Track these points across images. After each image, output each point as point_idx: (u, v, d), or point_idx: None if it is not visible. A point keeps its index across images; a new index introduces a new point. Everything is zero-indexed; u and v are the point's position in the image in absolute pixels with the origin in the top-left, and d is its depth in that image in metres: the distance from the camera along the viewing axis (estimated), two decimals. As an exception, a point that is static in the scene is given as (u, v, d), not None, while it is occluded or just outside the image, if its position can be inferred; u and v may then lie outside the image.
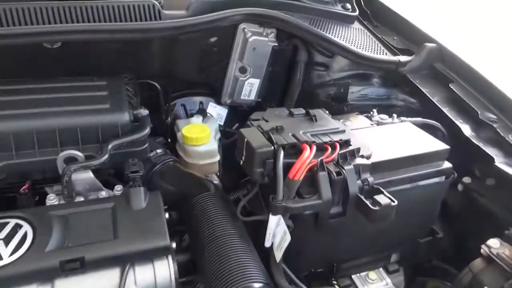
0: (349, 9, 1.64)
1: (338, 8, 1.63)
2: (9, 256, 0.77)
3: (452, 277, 1.08)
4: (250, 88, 1.53)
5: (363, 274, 1.10)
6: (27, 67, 1.26)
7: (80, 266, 0.79)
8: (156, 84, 1.43)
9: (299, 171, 0.89)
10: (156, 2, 1.24)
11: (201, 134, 1.28)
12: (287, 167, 0.91)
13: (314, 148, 0.94)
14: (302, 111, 1.11)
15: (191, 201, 1.03)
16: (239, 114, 1.64)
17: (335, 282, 1.05)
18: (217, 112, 1.60)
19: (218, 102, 1.60)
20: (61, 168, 0.97)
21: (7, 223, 0.83)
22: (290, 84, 1.49)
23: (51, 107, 1.03)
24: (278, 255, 0.92)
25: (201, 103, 1.59)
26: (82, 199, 0.99)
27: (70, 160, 0.98)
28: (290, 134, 0.98)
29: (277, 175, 0.89)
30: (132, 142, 1.04)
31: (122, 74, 1.30)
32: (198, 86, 1.59)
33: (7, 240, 0.80)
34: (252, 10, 1.35)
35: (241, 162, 0.99)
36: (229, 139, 1.48)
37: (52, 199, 0.96)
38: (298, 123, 1.06)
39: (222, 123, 1.60)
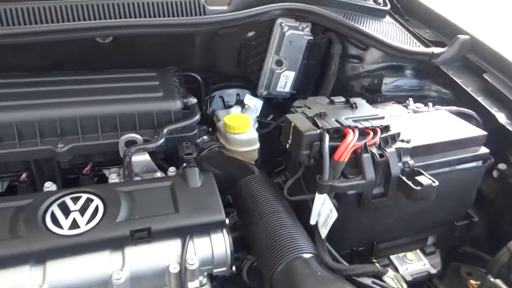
0: (380, 4, 1.69)
1: (370, 3, 1.68)
2: (85, 225, 0.86)
3: (485, 263, 1.11)
4: (286, 81, 1.60)
5: (401, 254, 1.16)
6: (81, 61, 1.36)
7: (147, 236, 0.87)
8: (198, 76, 1.51)
9: (344, 153, 0.95)
10: (201, -2, 1.32)
11: (242, 123, 1.36)
12: (332, 150, 0.97)
13: (357, 132, 1.00)
14: (342, 99, 1.17)
15: (239, 183, 1.10)
16: (274, 106, 1.72)
17: (375, 261, 1.10)
18: (253, 103, 1.67)
19: (254, 94, 1.67)
20: (122, 150, 1.06)
21: (80, 197, 0.92)
22: (325, 76, 1.55)
23: (111, 95, 1.12)
24: (324, 231, 0.98)
25: (238, 95, 1.66)
26: (138, 178, 1.07)
27: (130, 143, 1.06)
28: (333, 119, 1.04)
29: (324, 157, 0.95)
30: (184, 127, 1.12)
31: (166, 67, 1.39)
32: (235, 78, 1.67)
33: (82, 212, 0.89)
34: (290, 5, 1.42)
35: (287, 146, 1.05)
36: (264, 129, 1.55)
37: (114, 178, 1.05)
38: (339, 110, 1.12)
39: (257, 114, 1.67)
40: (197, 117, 1.15)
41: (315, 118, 1.03)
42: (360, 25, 1.50)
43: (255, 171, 1.15)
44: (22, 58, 1.30)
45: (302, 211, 1.07)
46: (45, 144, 1.02)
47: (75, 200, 0.91)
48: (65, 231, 0.84)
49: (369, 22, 1.58)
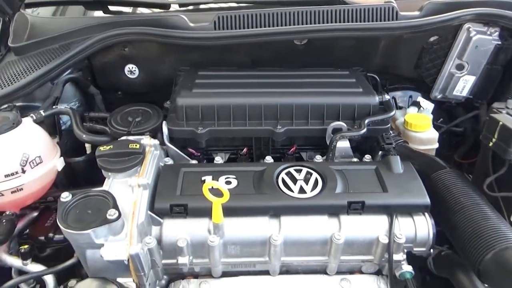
0: None
1: None
2: (310, 192, 1.04)
3: None
4: (464, 85, 1.60)
5: None
6: (278, 60, 1.59)
7: (360, 208, 1.01)
8: (376, 77, 1.62)
9: (562, 154, 0.96)
10: (395, 5, 1.43)
11: (423, 122, 1.43)
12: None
13: None
14: (548, 102, 1.16)
15: (432, 176, 1.17)
16: (444, 110, 1.74)
17: None
18: (425, 106, 1.71)
19: (425, 96, 1.71)
20: (328, 136, 1.23)
21: (301, 169, 1.11)
22: (512, 82, 1.51)
23: (319, 88, 1.30)
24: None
25: (410, 96, 1.73)
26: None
27: (336, 130, 1.22)
28: (543, 121, 1.05)
29: (538, 156, 0.97)
30: (381, 120, 1.24)
31: (351, 67, 1.54)
32: (407, 81, 1.73)
33: (305, 181, 1.07)
34: (483, 10, 1.43)
35: (490, 144, 1.09)
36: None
37: (318, 159, 1.22)
38: (546, 113, 1.11)
39: (429, 116, 1.71)
40: (394, 111, 1.26)
41: (525, 119, 1.05)
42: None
43: (446, 166, 1.20)
44: (233, 56, 1.58)
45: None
46: (267, 125, 1.25)
47: (298, 171, 1.10)
48: (296, 194, 1.03)
49: None
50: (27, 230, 1.23)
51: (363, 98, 1.26)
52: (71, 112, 1.28)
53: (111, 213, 0.89)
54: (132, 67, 1.58)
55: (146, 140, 1.13)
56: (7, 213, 1.14)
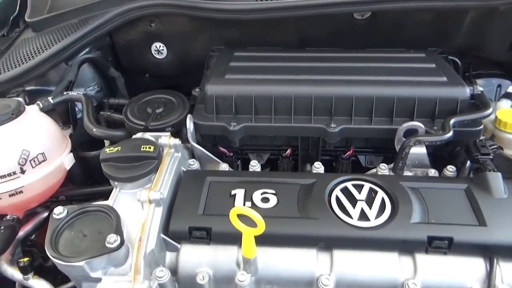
0: None
1: None
2: (375, 219, 0.77)
3: None
4: None
5: None
6: (333, 38, 1.29)
7: (446, 246, 0.73)
8: (458, 61, 1.29)
9: None
10: (493, -35, 1.08)
11: (524, 121, 1.08)
12: None
13: None
14: None
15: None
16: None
17: None
18: (518, 98, 1.36)
19: (518, 86, 1.35)
20: (399, 139, 0.94)
21: (362, 185, 0.84)
22: None
23: (388, 75, 1.00)
24: None
25: (499, 86, 1.37)
26: (409, 174, 0.94)
27: (409, 132, 0.93)
28: None
29: None
30: (473, 120, 0.93)
31: (425, 48, 1.21)
32: (495, 65, 1.38)
33: (368, 203, 0.80)
34: None
35: None
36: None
37: (383, 169, 0.94)
38: None
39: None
40: (491, 109, 0.94)
41: None
42: None
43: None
44: (277, 33, 1.30)
45: None
46: (317, 122, 0.98)
47: (357, 187, 0.83)
48: (355, 222, 0.77)
49: None
50: (33, 236, 1.07)
51: (448, 89, 0.95)
52: (84, 99, 1.08)
53: (111, 240, 0.68)
54: (160, 46, 1.36)
55: (165, 139, 0.91)
56: (8, 217, 0.98)
